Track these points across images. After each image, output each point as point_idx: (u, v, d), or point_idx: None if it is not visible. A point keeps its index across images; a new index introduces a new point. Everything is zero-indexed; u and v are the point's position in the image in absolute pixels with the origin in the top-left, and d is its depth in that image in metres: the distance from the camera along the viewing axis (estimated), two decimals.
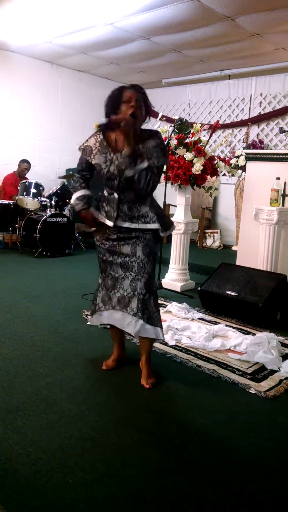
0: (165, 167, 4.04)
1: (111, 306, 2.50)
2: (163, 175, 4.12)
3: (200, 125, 4.42)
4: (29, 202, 6.13)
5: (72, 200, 2.47)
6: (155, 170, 2.29)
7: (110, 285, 2.49)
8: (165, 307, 3.87)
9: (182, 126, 4.31)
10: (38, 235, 5.86)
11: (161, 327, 2.47)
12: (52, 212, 6.09)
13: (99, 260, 2.55)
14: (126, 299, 2.42)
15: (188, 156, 4.18)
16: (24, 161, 6.77)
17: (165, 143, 4.09)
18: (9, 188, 6.66)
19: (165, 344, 3.03)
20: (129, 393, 2.42)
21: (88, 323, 3.43)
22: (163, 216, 2.48)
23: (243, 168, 6.13)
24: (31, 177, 6.80)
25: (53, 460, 1.81)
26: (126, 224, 2.37)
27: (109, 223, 2.38)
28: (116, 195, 2.36)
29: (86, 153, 2.39)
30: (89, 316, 3.45)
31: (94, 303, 2.61)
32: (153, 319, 2.42)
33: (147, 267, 2.40)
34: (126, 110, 2.27)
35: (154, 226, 2.39)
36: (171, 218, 3.54)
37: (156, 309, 2.46)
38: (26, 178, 6.61)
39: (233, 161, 6.45)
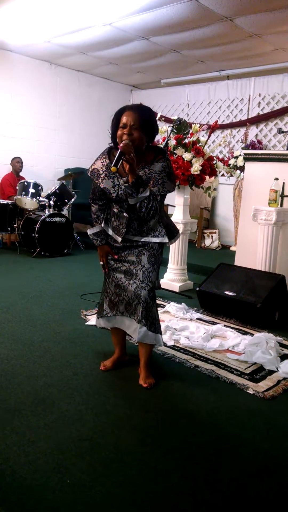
0: None
1: (119, 312, 2.53)
2: None
3: (198, 125, 4.42)
4: (28, 202, 6.12)
5: (89, 234, 2.50)
6: (159, 198, 2.30)
7: (115, 292, 2.51)
8: (163, 307, 3.87)
9: (181, 126, 4.31)
10: (36, 235, 5.85)
11: (161, 333, 2.51)
12: (51, 212, 6.08)
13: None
14: (132, 306, 2.44)
15: (187, 156, 4.18)
16: (14, 158, 6.81)
17: (165, 143, 4.12)
18: (7, 188, 6.66)
19: (164, 344, 3.03)
20: (127, 393, 2.42)
21: (87, 323, 3.43)
22: (170, 225, 2.52)
23: (242, 169, 6.14)
24: (30, 177, 6.80)
25: (51, 460, 1.81)
26: (136, 238, 2.42)
27: (118, 239, 2.42)
28: (126, 214, 2.38)
29: (94, 176, 2.38)
30: (94, 318, 3.47)
31: (101, 308, 2.62)
32: (155, 326, 2.45)
33: (152, 276, 2.42)
34: (120, 136, 2.26)
35: (163, 240, 2.43)
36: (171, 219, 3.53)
37: (157, 317, 2.50)
38: (24, 178, 6.60)
39: (231, 161, 6.46)
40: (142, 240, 2.42)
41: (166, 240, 2.44)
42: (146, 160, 2.35)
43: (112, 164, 2.19)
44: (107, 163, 2.36)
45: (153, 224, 2.42)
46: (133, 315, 2.45)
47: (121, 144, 2.19)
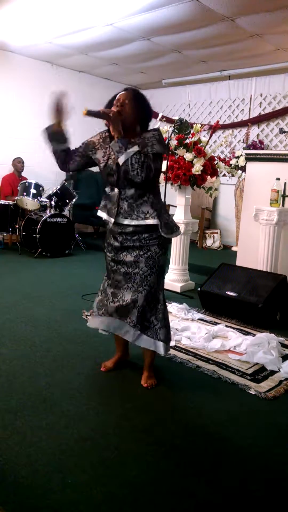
0: (164, 167, 4.04)
1: (107, 313, 2.48)
2: (162, 175, 4.12)
3: (200, 125, 4.42)
4: (29, 203, 6.12)
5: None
6: (151, 155, 2.26)
7: (111, 293, 2.47)
8: None
9: (182, 127, 4.31)
10: (38, 236, 5.85)
11: (164, 341, 2.42)
12: (52, 213, 6.08)
13: (106, 266, 2.54)
14: (125, 310, 2.39)
15: (188, 156, 4.18)
16: (15, 158, 6.82)
17: (165, 143, 4.11)
18: (6, 188, 6.67)
19: (167, 350, 3.01)
20: (128, 393, 2.42)
21: (88, 323, 3.43)
22: (170, 222, 2.43)
23: (243, 169, 6.13)
24: (31, 177, 6.80)
25: (53, 460, 1.81)
26: (126, 221, 2.34)
27: (111, 220, 2.36)
28: (116, 190, 2.35)
29: (89, 148, 2.42)
30: (89, 317, 3.47)
31: (93, 307, 2.62)
32: (153, 332, 2.40)
33: (149, 280, 2.37)
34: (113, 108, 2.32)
35: (153, 221, 2.32)
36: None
37: (161, 324, 2.42)
38: (26, 178, 6.61)
39: (233, 161, 6.45)
40: (132, 223, 2.33)
41: (156, 221, 2.32)
42: (139, 136, 2.36)
43: (86, 109, 2.26)
44: (106, 135, 2.41)
45: (145, 209, 2.33)
46: (123, 318, 2.40)
47: (109, 109, 2.28)
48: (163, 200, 2.95)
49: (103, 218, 2.45)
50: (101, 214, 2.46)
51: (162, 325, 2.43)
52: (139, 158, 2.22)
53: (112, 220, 2.36)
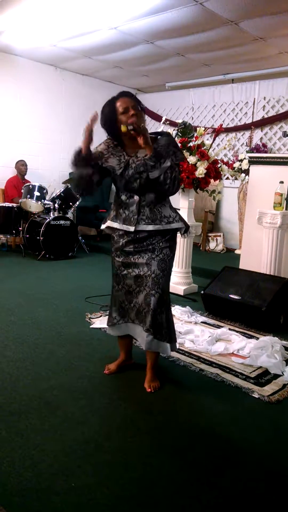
0: None
1: (130, 319, 2.49)
2: None
3: (203, 128, 4.42)
4: (33, 205, 6.14)
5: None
6: (176, 168, 2.28)
7: (126, 299, 2.47)
8: None
9: (186, 130, 4.32)
10: (41, 238, 5.87)
11: (169, 342, 2.44)
12: (56, 215, 6.10)
13: (113, 273, 2.52)
14: (142, 314, 2.40)
15: (192, 159, 4.19)
16: (18, 161, 6.85)
17: None
18: (11, 190, 6.69)
19: (173, 350, 3.02)
20: (132, 396, 2.42)
21: (92, 326, 3.44)
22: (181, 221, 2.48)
23: (247, 172, 6.13)
24: (35, 180, 6.82)
25: (56, 463, 1.81)
26: (150, 227, 2.33)
27: (131, 228, 2.34)
28: (136, 197, 2.33)
29: (97, 158, 2.35)
30: (99, 321, 3.50)
31: (111, 317, 2.58)
32: (162, 335, 2.40)
33: (162, 282, 2.37)
34: (127, 120, 2.23)
35: (179, 225, 2.38)
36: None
37: (167, 325, 2.43)
38: (29, 181, 6.63)
39: (236, 164, 6.45)
40: (156, 228, 2.32)
41: (181, 224, 2.38)
42: (151, 140, 2.34)
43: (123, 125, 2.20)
44: (114, 144, 2.36)
45: (165, 212, 2.36)
46: (143, 323, 2.40)
47: (131, 120, 2.20)
48: None
49: (115, 227, 2.41)
50: (112, 224, 2.42)
51: (167, 326, 2.44)
52: (171, 173, 2.24)
53: (132, 228, 2.33)
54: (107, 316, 2.67)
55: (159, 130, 4.55)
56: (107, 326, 2.63)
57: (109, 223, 2.46)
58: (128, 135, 2.25)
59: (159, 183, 2.26)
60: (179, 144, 4.28)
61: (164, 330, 2.41)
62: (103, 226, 2.53)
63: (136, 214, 2.33)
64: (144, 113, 2.41)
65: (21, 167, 6.80)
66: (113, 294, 2.55)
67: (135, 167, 2.28)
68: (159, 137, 2.35)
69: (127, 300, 2.47)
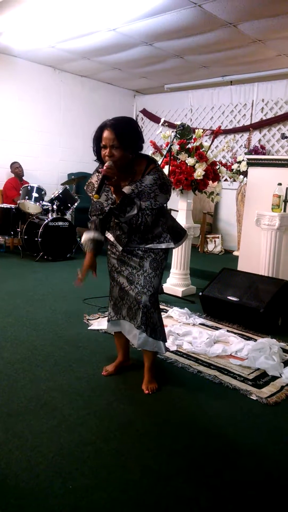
0: (166, 172, 4.05)
1: (121, 316, 2.54)
2: None
3: (202, 130, 4.43)
4: (31, 206, 6.14)
5: (83, 240, 2.42)
6: (149, 212, 2.23)
7: (119, 296, 2.53)
8: (166, 312, 3.87)
9: (184, 132, 4.32)
10: (39, 239, 5.86)
11: (163, 340, 2.48)
12: (54, 216, 6.09)
13: (108, 270, 2.57)
14: (132, 311, 2.44)
15: (190, 161, 4.19)
16: (13, 163, 6.84)
17: (168, 148, 4.12)
18: (11, 192, 6.69)
19: (167, 350, 3.02)
20: (130, 398, 2.41)
21: (90, 327, 3.43)
22: (176, 227, 2.50)
23: (245, 174, 6.14)
24: (33, 181, 6.82)
25: (54, 465, 1.81)
26: (142, 247, 2.39)
27: (119, 248, 2.42)
28: (125, 225, 2.34)
29: (89, 191, 2.39)
30: (97, 322, 3.52)
31: (108, 312, 2.64)
32: (156, 333, 2.43)
33: (154, 282, 2.40)
34: (103, 157, 2.19)
35: (169, 245, 2.42)
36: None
37: (160, 323, 2.47)
38: (27, 182, 6.63)
39: (234, 166, 6.46)
40: (147, 246, 2.40)
41: (172, 245, 2.42)
42: (136, 171, 2.28)
43: (95, 192, 2.16)
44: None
45: (157, 232, 2.40)
46: (133, 320, 2.44)
47: (104, 168, 2.12)
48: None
49: (108, 237, 2.47)
50: (108, 235, 2.48)
51: (160, 324, 2.47)
52: (136, 220, 2.23)
53: (120, 248, 2.41)
54: (105, 318, 2.69)
55: (158, 131, 4.58)
56: (105, 328, 2.66)
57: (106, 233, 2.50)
58: (102, 185, 2.16)
59: (128, 224, 2.28)
60: (177, 147, 4.29)
61: (158, 328, 2.45)
62: (89, 236, 2.51)
63: (126, 238, 2.38)
64: (137, 141, 2.25)
65: (16, 169, 6.80)
66: (110, 290, 2.61)
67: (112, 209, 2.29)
68: (146, 176, 2.25)
69: (120, 297, 2.52)
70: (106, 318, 2.69)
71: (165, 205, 2.41)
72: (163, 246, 2.41)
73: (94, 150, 2.29)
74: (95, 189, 2.22)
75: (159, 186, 2.24)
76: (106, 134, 2.16)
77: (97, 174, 2.38)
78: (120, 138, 2.15)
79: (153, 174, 2.25)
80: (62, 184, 6.72)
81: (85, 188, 2.42)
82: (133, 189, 2.24)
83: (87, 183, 2.42)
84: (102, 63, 6.95)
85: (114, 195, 2.21)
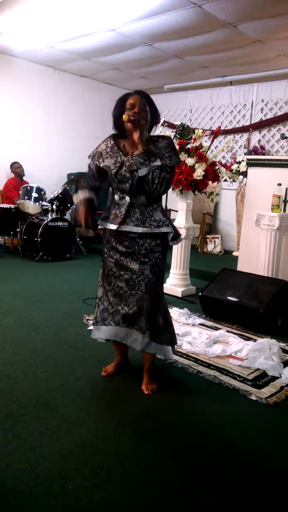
0: None
1: (114, 323, 2.45)
2: None
3: (201, 130, 4.43)
4: (31, 207, 6.14)
5: (75, 198, 2.44)
6: (168, 169, 2.28)
7: (114, 301, 2.44)
8: None
9: (184, 132, 4.32)
10: (39, 239, 5.86)
11: (171, 344, 2.44)
12: (53, 217, 6.09)
13: (105, 273, 2.48)
14: (133, 317, 2.38)
15: (190, 161, 4.19)
16: (13, 163, 6.84)
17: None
18: (12, 192, 6.68)
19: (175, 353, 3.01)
20: (129, 398, 2.41)
21: (89, 328, 3.43)
22: (171, 222, 2.49)
23: (245, 174, 6.14)
24: (33, 181, 6.81)
25: (53, 466, 1.80)
26: (139, 229, 2.32)
27: (113, 227, 2.35)
28: (127, 198, 2.33)
29: (95, 158, 2.39)
30: (90, 328, 3.46)
31: (94, 316, 2.56)
32: (162, 337, 2.40)
33: (155, 286, 2.37)
34: (127, 116, 2.26)
35: (168, 229, 2.36)
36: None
37: (166, 327, 2.42)
38: (27, 183, 6.63)
39: (234, 166, 6.46)
40: (145, 230, 2.31)
41: (170, 229, 2.36)
42: (151, 141, 2.36)
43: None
44: (112, 144, 2.38)
45: (157, 217, 2.36)
46: (131, 326, 2.39)
47: (132, 112, 2.25)
48: (164, 205, 2.95)
49: (106, 227, 2.43)
50: (103, 223, 2.45)
51: (166, 329, 2.43)
52: (160, 173, 2.24)
53: (115, 227, 2.34)
54: None
55: (158, 132, 4.58)
56: (102, 336, 2.55)
57: (99, 222, 2.47)
58: (128, 127, 2.28)
59: (147, 181, 2.27)
60: (177, 146, 4.29)
61: (163, 332, 2.40)
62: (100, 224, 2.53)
63: (124, 215, 2.34)
64: (154, 116, 2.37)
65: (17, 169, 6.80)
66: (98, 295, 2.54)
67: (128, 165, 2.29)
68: (160, 139, 2.37)
69: (115, 303, 2.43)
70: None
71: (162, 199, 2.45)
72: (163, 230, 2.35)
73: (115, 117, 2.36)
74: (112, 147, 2.37)
75: (172, 149, 2.34)
76: (135, 96, 2.31)
77: (105, 143, 2.40)
78: (149, 102, 2.34)
79: (166, 140, 2.37)
80: (63, 185, 6.71)
81: (89, 157, 2.42)
82: (145, 149, 2.29)
83: (93, 153, 2.41)
84: (101, 63, 6.94)
85: (125, 158, 2.30)
